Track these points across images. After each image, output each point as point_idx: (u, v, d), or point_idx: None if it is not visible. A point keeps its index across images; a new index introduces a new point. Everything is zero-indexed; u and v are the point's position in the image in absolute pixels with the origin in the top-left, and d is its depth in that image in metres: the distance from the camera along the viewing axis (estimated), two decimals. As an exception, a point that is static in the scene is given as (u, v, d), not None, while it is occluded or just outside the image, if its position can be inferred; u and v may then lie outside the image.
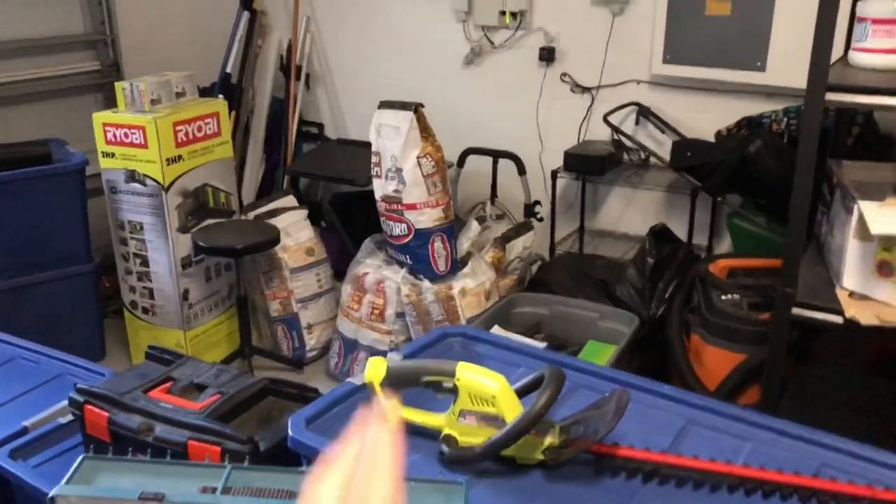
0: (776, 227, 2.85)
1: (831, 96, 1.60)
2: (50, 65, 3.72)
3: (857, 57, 1.76)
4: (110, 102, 3.35)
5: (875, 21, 1.69)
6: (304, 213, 3.40)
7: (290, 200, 3.47)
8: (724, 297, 2.57)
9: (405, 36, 3.85)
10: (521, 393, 1.26)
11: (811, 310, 1.74)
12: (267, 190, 4.05)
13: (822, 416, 1.93)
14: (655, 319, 2.78)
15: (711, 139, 3.10)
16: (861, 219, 1.64)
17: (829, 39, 1.58)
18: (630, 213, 3.53)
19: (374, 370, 1.30)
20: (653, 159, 3.28)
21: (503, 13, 3.51)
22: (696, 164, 3.00)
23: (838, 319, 1.69)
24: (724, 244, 3.27)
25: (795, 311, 1.75)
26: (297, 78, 4.03)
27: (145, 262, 3.16)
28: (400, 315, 2.98)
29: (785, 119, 2.88)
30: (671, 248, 2.97)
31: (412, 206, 2.83)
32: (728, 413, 1.39)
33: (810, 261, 2.00)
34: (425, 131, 2.81)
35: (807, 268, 1.95)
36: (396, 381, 1.30)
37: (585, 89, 3.48)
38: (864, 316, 1.65)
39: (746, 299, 2.55)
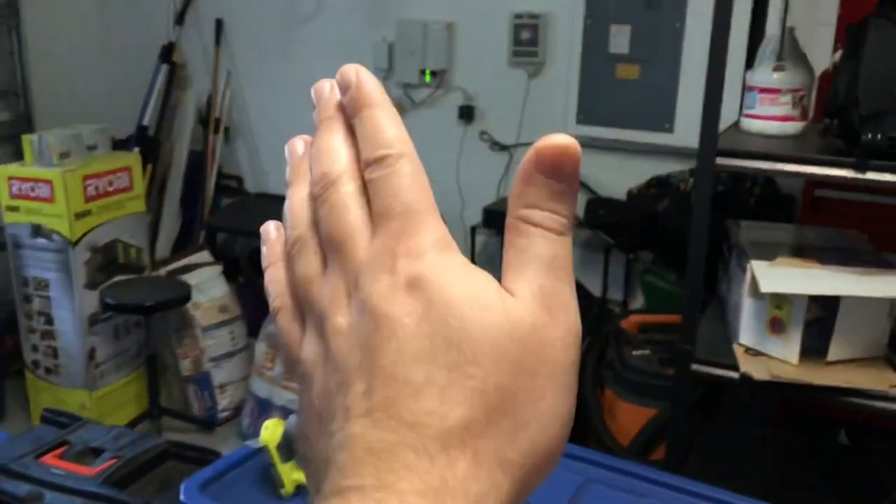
0: (684, 283, 2.93)
1: (721, 161, 1.68)
2: (-44, 115, 3.61)
3: (747, 123, 1.85)
4: (19, 155, 3.26)
5: (762, 90, 1.79)
6: (218, 268, 3.34)
7: (205, 256, 3.41)
8: (635, 353, 2.62)
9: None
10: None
11: (710, 366, 1.79)
12: (184, 245, 3.98)
13: (732, 471, 1.96)
14: (570, 375, 2.81)
15: (624, 198, 3.19)
16: (753, 277, 1.70)
17: (717, 106, 1.66)
18: (548, 268, 3.58)
19: (270, 434, 1.27)
20: (568, 216, 3.35)
21: (423, 72, 3.58)
22: (609, 221, 3.08)
23: (734, 375, 1.73)
24: (638, 300, 3.34)
25: (695, 367, 1.80)
26: (217, 131, 4.00)
27: (49, 320, 3.04)
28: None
29: (692, 179, 3.00)
30: (585, 303, 3.02)
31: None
32: (628, 470, 1.40)
33: (713, 318, 2.06)
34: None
35: (709, 325, 2.00)
36: (293, 444, 1.27)
37: (504, 147, 3.56)
38: (758, 371, 1.70)
39: (657, 355, 2.61)
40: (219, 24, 4.00)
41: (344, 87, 0.34)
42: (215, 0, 4.01)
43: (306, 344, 0.33)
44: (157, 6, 4.06)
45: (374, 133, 0.33)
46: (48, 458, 1.61)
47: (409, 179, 0.32)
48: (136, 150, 3.56)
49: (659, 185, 3.06)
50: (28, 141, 2.97)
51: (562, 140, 0.31)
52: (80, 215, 2.92)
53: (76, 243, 2.93)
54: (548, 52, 3.37)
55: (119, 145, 3.56)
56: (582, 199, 3.32)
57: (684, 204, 2.87)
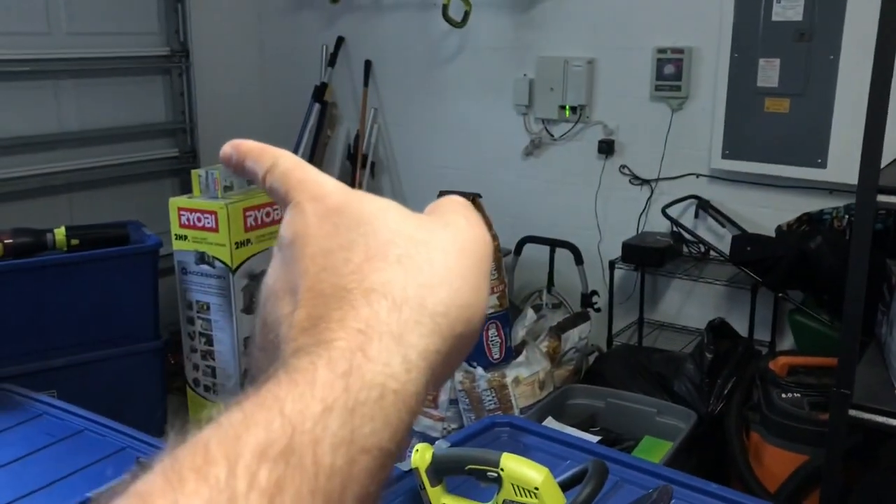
0: (839, 324, 2.79)
1: (883, 198, 1.61)
2: (133, 151, 3.96)
3: (911, 158, 1.77)
4: (186, 187, 3.53)
5: (928, 124, 1.71)
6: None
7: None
8: (784, 396, 2.51)
9: (467, 128, 3.98)
10: (565, 486, 1.27)
11: (869, 412, 1.70)
12: (330, 274, 4.15)
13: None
14: (714, 416, 2.73)
15: (772, 234, 3.09)
16: (919, 320, 1.62)
17: (880, 141, 1.60)
18: (689, 306, 3.50)
19: (420, 457, 1.32)
20: (712, 253, 3.28)
21: (563, 107, 3.62)
22: (755, 258, 2.98)
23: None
24: (787, 341, 3.21)
25: (853, 412, 1.71)
26: (363, 166, 4.18)
27: (209, 342, 3.26)
28: (453, 402, 2.99)
29: (846, 216, 2.86)
30: (730, 343, 2.93)
31: (469, 294, 2.88)
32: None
33: (871, 361, 1.96)
34: (486, 221, 2.88)
35: (867, 368, 1.91)
36: (441, 468, 1.32)
37: (644, 181, 3.52)
38: (925, 420, 1.60)
39: (808, 398, 2.49)
40: (367, 65, 4.20)
41: (227, 160, 0.42)
42: (364, 43, 4.21)
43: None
44: (312, 49, 4.31)
45: (258, 160, 0.40)
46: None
47: (293, 165, 0.39)
48: (290, 183, 3.77)
49: (810, 221, 2.94)
50: (196, 175, 3.21)
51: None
52: (239, 244, 3.13)
53: (235, 270, 3.13)
54: (691, 86, 3.33)
55: (274, 179, 3.78)
56: (728, 235, 3.24)
57: (838, 242, 2.75)
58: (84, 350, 3.15)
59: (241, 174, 0.41)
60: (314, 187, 0.38)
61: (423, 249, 0.35)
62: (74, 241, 3.05)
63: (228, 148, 0.41)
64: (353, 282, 0.33)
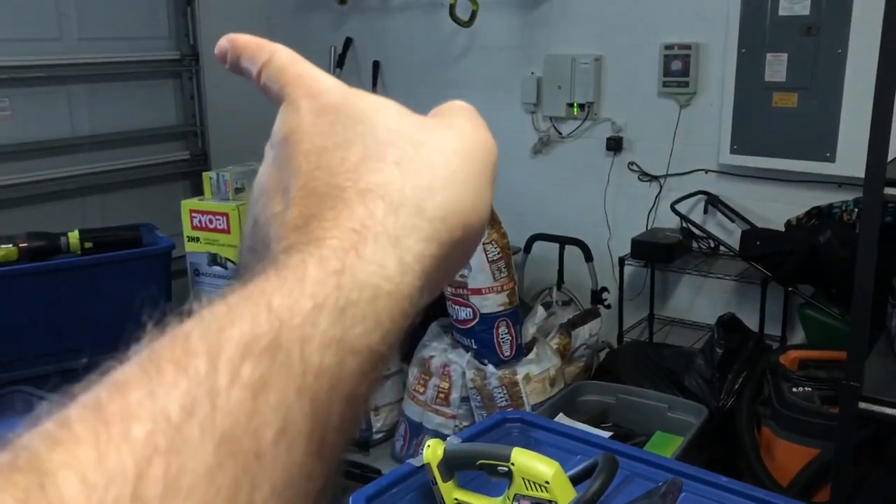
0: (849, 318, 2.79)
1: (890, 191, 1.62)
2: (145, 154, 3.99)
3: (918, 151, 1.77)
4: (197, 190, 3.56)
5: (935, 116, 1.71)
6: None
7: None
8: (795, 390, 2.52)
9: (217, 44, 3.96)
10: (576, 480, 1.28)
11: (879, 404, 1.71)
12: (341, 273, 4.18)
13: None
14: (725, 411, 2.73)
15: (781, 229, 3.09)
16: (927, 312, 1.62)
17: (886, 134, 1.61)
18: (699, 301, 3.51)
19: (432, 452, 1.34)
20: (722, 248, 3.28)
21: (570, 105, 3.63)
22: (765, 253, 2.99)
23: (907, 415, 1.65)
24: (797, 335, 3.21)
25: (862, 405, 1.72)
26: (373, 167, 4.20)
27: (223, 342, 3.28)
28: (465, 399, 3.01)
29: (856, 209, 2.86)
30: (740, 338, 2.93)
31: (477, 291, 2.90)
32: (790, 508, 1.37)
33: (881, 354, 1.97)
34: (491, 219, 2.90)
35: (877, 361, 1.91)
36: (453, 464, 1.34)
37: (653, 178, 3.53)
38: (934, 412, 1.61)
39: (818, 392, 2.50)
40: (376, 66, 4.22)
41: (223, 55, 0.40)
42: (372, 44, 4.23)
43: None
44: (320, 51, 4.33)
45: (253, 57, 0.39)
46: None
47: (289, 59, 0.38)
48: (300, 184, 3.80)
49: (820, 215, 2.94)
50: (207, 178, 3.24)
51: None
52: (251, 245, 3.16)
53: (247, 271, 3.16)
54: (699, 81, 3.33)
55: (285, 180, 3.81)
56: (737, 230, 3.24)
57: (848, 235, 2.75)
58: (98, 353, 3.16)
59: (237, 72, 0.39)
60: (311, 83, 0.36)
61: (423, 151, 0.34)
62: (88, 244, 3.09)
63: (224, 42, 0.40)
64: (348, 181, 0.32)
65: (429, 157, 0.34)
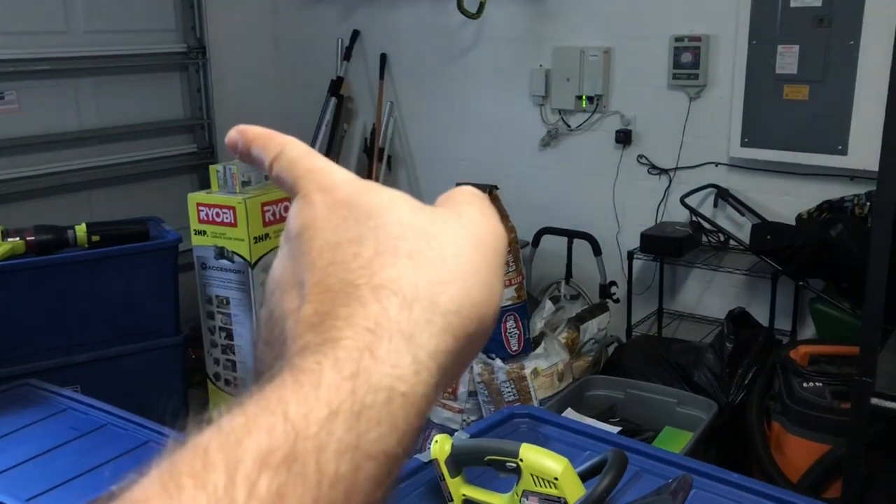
0: (860, 312, 2.76)
1: (904, 183, 1.59)
2: (152, 147, 3.99)
3: (933, 144, 1.74)
4: (204, 183, 3.55)
5: (950, 108, 1.68)
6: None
7: (370, 278, 3.56)
8: (805, 385, 2.50)
9: (484, 119, 3.98)
10: (585, 476, 1.27)
11: (891, 400, 1.68)
12: (348, 267, 4.17)
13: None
14: (734, 406, 2.71)
15: (792, 222, 3.06)
16: (942, 307, 1.60)
17: (901, 127, 1.58)
18: (709, 296, 3.48)
19: (439, 448, 1.33)
20: (732, 242, 3.25)
21: (579, 97, 3.60)
22: (776, 247, 2.96)
23: (921, 411, 1.63)
24: (808, 330, 3.18)
25: (874, 401, 1.70)
26: (380, 160, 4.19)
27: (230, 336, 3.29)
28: (472, 394, 3.00)
29: (868, 203, 2.83)
30: (751, 332, 2.91)
31: (487, 286, 2.88)
32: (800, 505, 1.35)
33: (893, 349, 1.94)
34: (499, 213, 2.87)
35: (889, 356, 1.89)
36: (461, 459, 1.32)
37: (662, 171, 3.50)
38: (948, 408, 1.59)
39: (829, 387, 2.47)
40: (383, 59, 4.20)
41: (233, 146, 0.41)
42: (380, 36, 4.21)
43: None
44: (327, 44, 4.32)
45: (265, 148, 0.39)
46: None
47: (302, 153, 0.38)
48: (307, 177, 3.78)
49: (831, 209, 2.91)
50: (214, 171, 3.23)
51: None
52: (258, 239, 3.15)
53: (255, 265, 3.15)
54: (709, 74, 3.30)
55: (292, 174, 3.80)
56: (747, 224, 3.21)
57: (860, 229, 2.72)
58: (106, 345, 3.18)
59: (248, 161, 0.40)
60: (323, 177, 0.36)
61: (434, 244, 0.34)
62: (95, 238, 3.08)
63: (234, 133, 0.40)
64: (361, 277, 0.32)
65: (440, 249, 0.34)
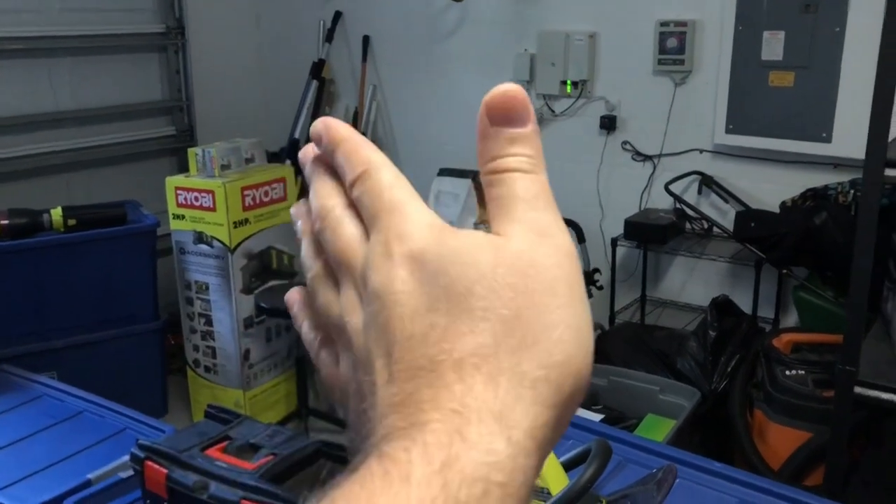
0: (844, 301, 2.77)
1: (890, 172, 1.58)
2: (130, 130, 3.92)
3: (920, 132, 1.73)
4: (183, 166, 3.50)
5: (938, 96, 1.67)
6: (364, 276, 3.45)
7: (351, 264, 3.53)
8: (788, 373, 2.50)
9: (468, 104, 3.94)
10: (568, 466, 1.25)
11: (874, 389, 1.68)
12: (330, 252, 4.14)
13: (893, 503, 1.84)
14: (717, 394, 2.71)
15: (776, 210, 3.05)
16: (927, 296, 1.59)
17: (888, 114, 1.57)
18: (692, 283, 3.48)
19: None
20: (716, 229, 3.25)
21: (564, 83, 3.57)
22: (759, 235, 2.95)
23: (904, 400, 1.62)
24: (791, 318, 3.19)
25: (858, 389, 1.70)
26: (363, 144, 4.14)
27: (209, 322, 3.24)
28: (455, 380, 2.98)
29: (851, 191, 2.83)
30: (734, 320, 2.91)
31: (470, 272, 2.86)
32: (783, 494, 1.34)
33: (876, 338, 1.94)
34: (482, 199, 2.84)
35: (872, 345, 1.89)
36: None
37: (647, 157, 3.49)
38: (932, 398, 1.58)
39: (812, 375, 2.48)
40: (366, 41, 4.15)
41: (317, 140, 0.38)
42: (362, 18, 4.16)
43: (340, 365, 0.36)
44: (309, 25, 4.26)
45: (349, 159, 0.36)
46: (212, 451, 1.70)
47: (386, 182, 0.35)
48: (289, 162, 3.74)
49: (815, 197, 2.91)
50: (193, 154, 3.18)
51: (504, 88, 0.34)
52: (238, 224, 3.10)
53: (234, 250, 3.11)
54: (695, 59, 3.28)
55: (272, 157, 3.76)
56: (731, 211, 3.21)
57: (844, 217, 2.72)
58: (83, 331, 3.14)
59: (329, 159, 0.37)
60: (401, 222, 0.33)
61: (507, 297, 0.31)
62: (71, 222, 3.03)
63: (321, 126, 0.37)
64: (441, 352, 0.30)
65: (515, 304, 0.31)
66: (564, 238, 0.33)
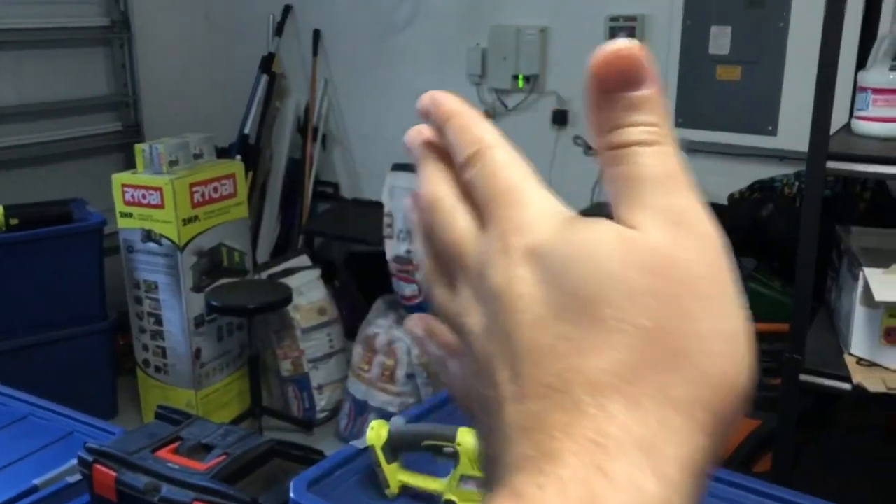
0: (791, 291, 2.83)
1: (832, 165, 1.62)
2: (74, 126, 3.82)
3: (859, 125, 1.78)
4: (130, 163, 3.43)
5: (875, 91, 1.72)
6: (317, 272, 3.42)
7: (304, 260, 3.50)
8: (736, 362, 2.54)
9: (420, 98, 3.93)
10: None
11: (819, 376, 1.72)
12: (283, 249, 4.10)
13: (839, 487, 1.89)
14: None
15: (724, 202, 3.11)
16: (866, 286, 1.64)
17: (829, 108, 1.61)
18: (643, 274, 3.52)
19: (375, 434, 1.30)
20: (665, 222, 3.29)
21: (516, 77, 3.58)
22: (708, 226, 3.00)
23: (846, 387, 1.67)
24: (738, 307, 3.25)
25: (803, 377, 1.74)
26: (314, 139, 4.11)
27: (159, 321, 3.19)
28: (410, 377, 2.98)
29: (797, 183, 2.90)
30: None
31: (424, 267, 2.85)
32: (734, 481, 1.37)
33: (821, 327, 1.99)
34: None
35: (817, 334, 1.93)
36: (398, 445, 1.30)
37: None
38: (872, 383, 1.63)
39: (760, 364, 2.52)
40: (316, 35, 4.11)
41: (425, 115, 0.35)
42: (313, 11, 4.12)
43: (465, 374, 0.32)
44: (258, 18, 4.20)
45: (460, 137, 0.33)
46: (163, 453, 1.68)
47: (501, 163, 0.32)
48: (239, 157, 3.69)
49: (762, 189, 2.97)
50: (140, 150, 3.12)
51: (616, 46, 0.29)
52: (187, 221, 3.05)
53: (183, 248, 3.06)
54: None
55: (222, 153, 3.70)
56: (680, 204, 3.26)
57: (790, 209, 2.78)
58: (28, 333, 3.06)
59: (439, 137, 0.34)
60: (519, 211, 0.30)
61: (645, 304, 0.26)
62: (14, 221, 2.96)
63: (427, 99, 0.34)
64: (571, 369, 0.26)
65: (654, 309, 0.26)
66: (708, 227, 0.29)
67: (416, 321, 0.36)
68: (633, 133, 0.29)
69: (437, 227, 0.33)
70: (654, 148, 0.29)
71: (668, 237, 0.28)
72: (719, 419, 0.26)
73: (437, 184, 0.33)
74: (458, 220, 0.32)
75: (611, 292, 0.26)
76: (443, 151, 0.34)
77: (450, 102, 0.34)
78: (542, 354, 0.27)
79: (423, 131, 0.35)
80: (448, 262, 0.33)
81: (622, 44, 0.29)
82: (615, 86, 0.29)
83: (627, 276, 0.27)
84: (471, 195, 0.32)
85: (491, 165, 0.31)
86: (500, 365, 0.28)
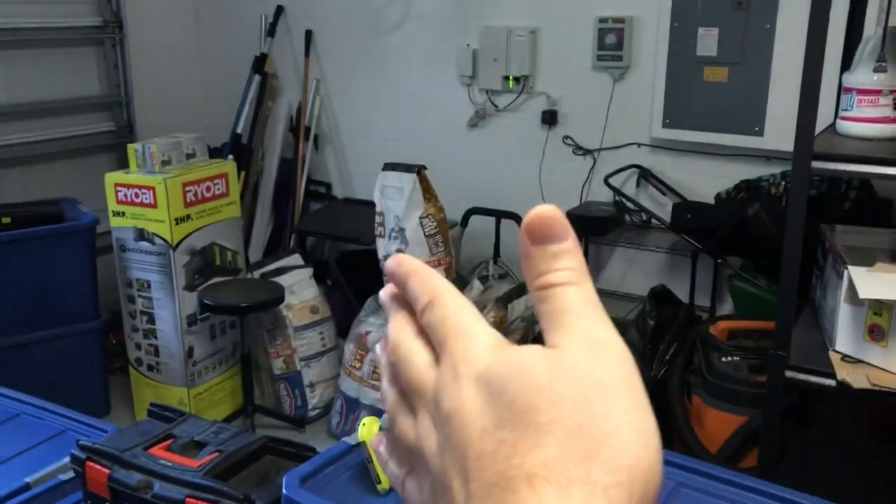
0: (777, 288, 2.86)
1: (817, 164, 1.65)
2: (66, 125, 3.83)
3: (843, 126, 1.81)
4: (123, 162, 3.44)
5: (860, 91, 1.75)
6: (309, 271, 3.44)
7: (296, 259, 3.51)
8: (724, 359, 2.58)
9: (412, 99, 3.95)
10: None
11: (804, 373, 1.75)
12: (274, 248, 4.11)
13: (823, 481, 1.92)
14: (657, 381, 2.79)
15: (711, 201, 3.14)
16: (851, 283, 1.67)
17: (814, 109, 1.64)
18: (632, 273, 3.56)
19: (367, 430, 1.32)
20: (654, 221, 3.32)
21: (506, 78, 3.61)
22: (695, 226, 3.04)
23: (831, 383, 1.70)
24: (727, 306, 3.28)
25: (789, 374, 1.77)
26: (306, 139, 4.12)
27: (151, 320, 3.20)
28: (402, 374, 2.99)
29: (783, 182, 2.93)
30: (672, 309, 2.99)
31: (415, 266, 2.87)
32: (721, 476, 1.40)
33: (806, 324, 2.02)
34: (428, 192, 2.87)
35: (802, 331, 1.96)
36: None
37: (587, 151, 3.55)
38: (856, 379, 1.66)
39: (747, 361, 2.56)
40: (308, 35, 4.13)
41: (391, 276, 0.40)
42: (305, 12, 4.13)
43: (423, 493, 0.37)
44: (250, 19, 4.21)
45: (418, 291, 0.38)
46: (156, 450, 1.70)
47: (453, 308, 0.37)
48: (231, 157, 3.70)
49: (748, 188, 3.00)
50: (133, 150, 3.13)
51: (540, 210, 0.36)
52: (179, 220, 3.06)
53: (176, 247, 3.07)
54: (633, 55, 3.35)
55: (214, 153, 3.71)
56: (669, 203, 3.29)
57: (775, 208, 2.81)
58: (20, 332, 3.06)
59: (402, 292, 0.40)
60: (466, 346, 0.35)
61: (568, 408, 0.32)
62: (6, 220, 2.96)
63: (393, 263, 0.40)
64: (512, 468, 0.31)
65: (577, 413, 0.32)
66: (617, 344, 0.34)
67: (379, 439, 0.42)
68: (558, 276, 0.36)
69: (399, 365, 0.38)
70: (574, 287, 0.36)
71: (587, 354, 0.34)
72: (636, 497, 0.31)
73: (400, 330, 0.39)
74: (417, 357, 0.37)
75: (541, 401, 0.32)
76: (405, 302, 0.40)
77: (410, 263, 0.40)
78: (487, 459, 0.32)
79: (391, 288, 0.41)
80: (409, 394, 0.38)
81: (546, 208, 0.36)
82: (542, 240, 0.36)
83: (554, 387, 0.32)
84: (429, 338, 0.38)
85: (443, 309, 0.37)
86: (453, 475, 0.33)
